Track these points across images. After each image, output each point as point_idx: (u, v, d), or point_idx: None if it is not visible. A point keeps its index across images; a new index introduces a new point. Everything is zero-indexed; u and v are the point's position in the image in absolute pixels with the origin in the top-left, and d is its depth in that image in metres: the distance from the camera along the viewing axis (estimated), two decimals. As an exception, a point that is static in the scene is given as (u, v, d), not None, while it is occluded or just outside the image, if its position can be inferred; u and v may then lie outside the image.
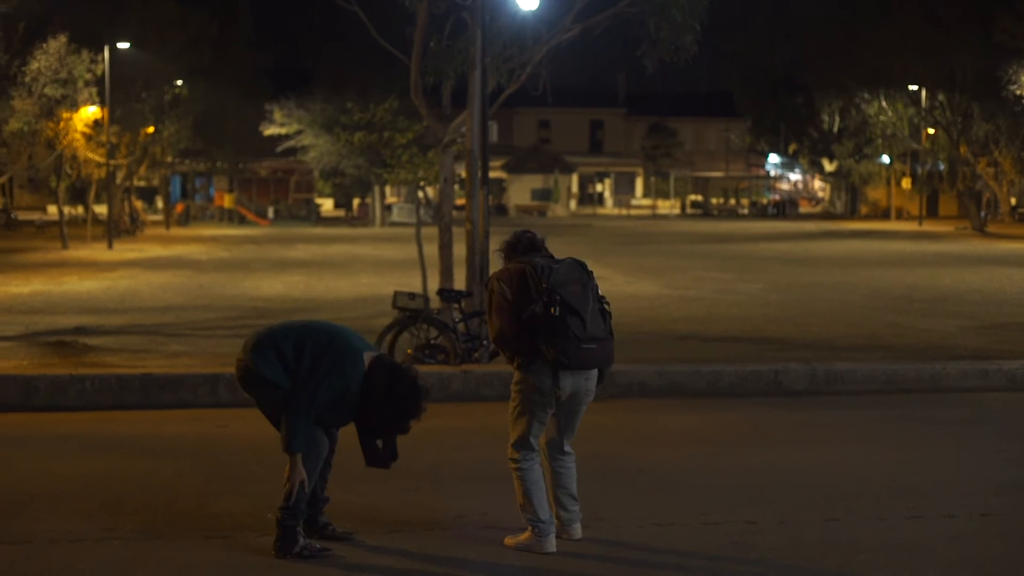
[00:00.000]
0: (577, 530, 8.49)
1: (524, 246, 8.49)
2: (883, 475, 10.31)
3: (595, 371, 8.31)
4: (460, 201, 42.10)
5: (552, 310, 8.06)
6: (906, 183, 78.32)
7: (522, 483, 8.29)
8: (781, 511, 9.12)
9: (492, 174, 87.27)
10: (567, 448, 8.51)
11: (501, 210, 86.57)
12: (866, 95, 70.29)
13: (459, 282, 19.41)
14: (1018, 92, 53.00)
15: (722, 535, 8.53)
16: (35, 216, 67.18)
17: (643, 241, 52.35)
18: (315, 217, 77.39)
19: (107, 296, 26.66)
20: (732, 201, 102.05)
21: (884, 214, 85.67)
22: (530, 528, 8.25)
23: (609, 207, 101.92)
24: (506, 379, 13.99)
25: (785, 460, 10.91)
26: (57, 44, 40.20)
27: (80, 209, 64.61)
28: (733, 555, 8.16)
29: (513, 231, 8.71)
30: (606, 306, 8.33)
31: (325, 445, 8.20)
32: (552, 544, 8.22)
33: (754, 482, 10.04)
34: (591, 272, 8.39)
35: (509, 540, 8.31)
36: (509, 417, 8.40)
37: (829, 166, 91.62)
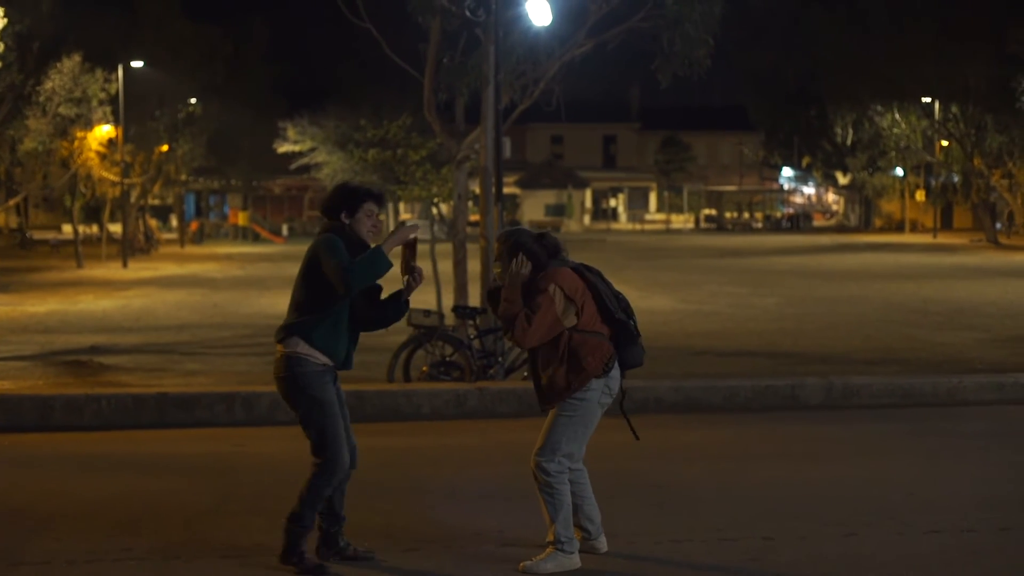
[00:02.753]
0: (604, 542, 8.44)
1: (552, 247, 8.36)
2: (901, 489, 10.27)
3: None
4: (474, 217, 42.07)
5: (631, 321, 8.33)
6: (920, 195, 78.17)
7: (562, 498, 8.10)
8: (799, 526, 9.08)
9: (505, 190, 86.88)
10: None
11: (515, 226, 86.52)
12: (879, 107, 70.14)
13: (474, 298, 19.40)
14: (1032, 103, 52.94)
15: (740, 551, 8.50)
16: (50, 235, 67.29)
17: (657, 256, 52.32)
18: (329, 234, 77.30)
19: (122, 315, 26.70)
20: (746, 215, 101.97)
21: (898, 227, 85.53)
22: (555, 547, 8.09)
23: (623, 222, 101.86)
24: (521, 395, 14.02)
25: (803, 475, 10.88)
26: (71, 63, 40.33)
27: (95, 228, 64.76)
28: (751, 571, 8.13)
29: (516, 229, 8.50)
30: None
31: (346, 458, 8.13)
32: (578, 559, 8.18)
33: (772, 497, 10.01)
34: None
35: (524, 564, 8.10)
36: (560, 425, 8.14)
37: (843, 179, 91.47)
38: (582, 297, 8.14)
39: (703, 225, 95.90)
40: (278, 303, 29.53)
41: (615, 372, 8.26)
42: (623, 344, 8.28)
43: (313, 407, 8.03)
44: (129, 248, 49.90)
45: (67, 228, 66.67)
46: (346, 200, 8.29)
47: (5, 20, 26.78)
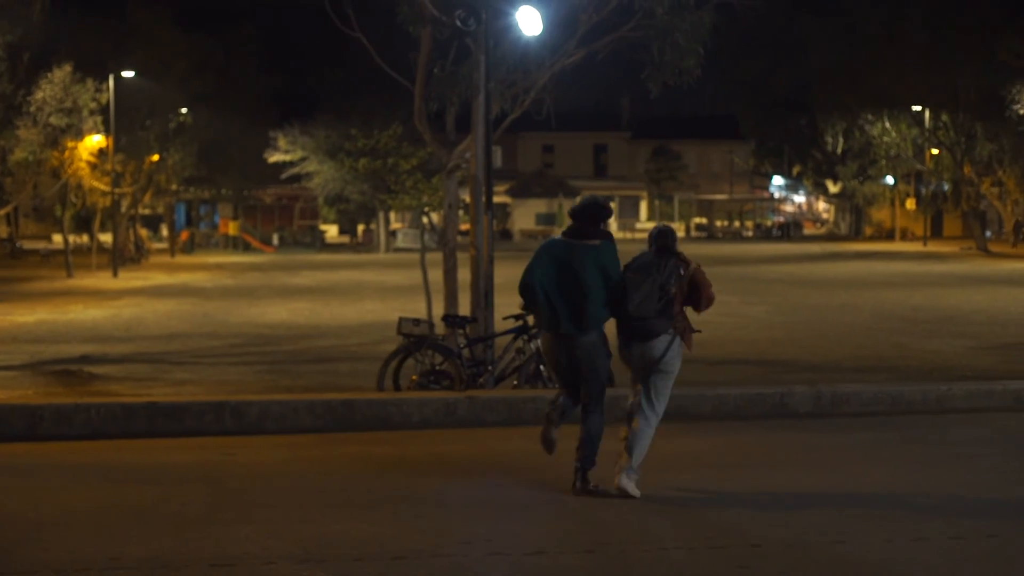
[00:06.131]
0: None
1: (655, 237, 10.79)
2: (889, 496, 10.29)
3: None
4: (465, 226, 42.09)
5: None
6: (910, 204, 78.30)
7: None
8: (787, 534, 9.09)
9: (496, 199, 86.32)
10: None
11: (505, 235, 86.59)
12: (870, 116, 70.27)
13: (464, 307, 19.40)
14: (1022, 112, 53.05)
15: (728, 559, 8.51)
16: (40, 245, 67.20)
17: (648, 264, 52.20)
18: (320, 244, 77.43)
19: (112, 325, 26.68)
20: (736, 223, 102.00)
21: (888, 235, 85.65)
22: (633, 472, 10.26)
23: (614, 231, 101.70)
24: (511, 404, 14.04)
25: (791, 483, 10.89)
26: (62, 73, 40.30)
27: (85, 238, 64.69)
28: (740, 579, 8.15)
29: (660, 226, 10.91)
30: None
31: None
32: None
33: (760, 505, 10.02)
34: None
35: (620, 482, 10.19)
36: (667, 385, 10.53)
37: (833, 187, 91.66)
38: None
39: (694, 234, 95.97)
40: (268, 312, 29.55)
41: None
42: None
43: (606, 365, 10.40)
44: (119, 258, 49.84)
45: (57, 238, 66.54)
46: (606, 213, 10.57)
47: (-5, 30, 26.82)
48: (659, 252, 10.57)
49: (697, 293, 10.63)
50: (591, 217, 10.42)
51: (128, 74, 49.13)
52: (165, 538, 9.05)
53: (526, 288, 10.41)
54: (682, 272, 10.56)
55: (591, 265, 10.22)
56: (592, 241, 10.33)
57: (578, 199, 11.09)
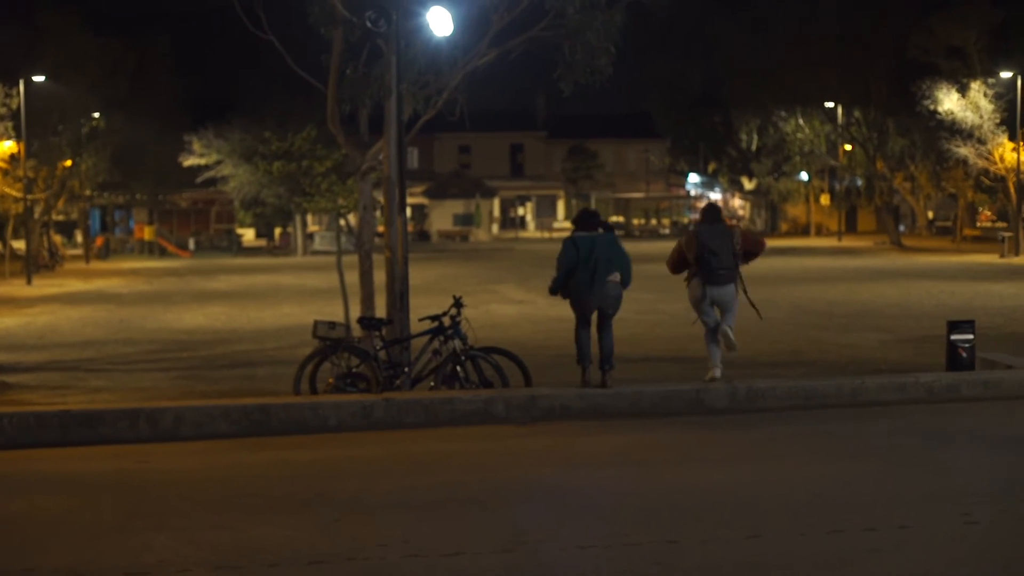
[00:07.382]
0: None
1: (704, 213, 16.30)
2: (804, 490, 10.38)
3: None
4: (382, 228, 42.04)
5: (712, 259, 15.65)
6: (825, 199, 79.05)
7: None
8: (703, 530, 9.15)
9: (413, 200, 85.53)
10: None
11: (423, 236, 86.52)
12: (783, 113, 70.88)
13: (380, 310, 19.35)
14: (932, 107, 53.68)
15: (644, 556, 8.54)
16: (-48, 253, 66.30)
17: (566, 263, 52.30)
18: (237, 248, 76.99)
19: (26, 332, 26.39)
20: (653, 221, 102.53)
21: (804, 230, 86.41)
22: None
23: (531, 230, 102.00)
24: (427, 405, 14.03)
25: (707, 478, 10.96)
26: (-30, 79, 39.88)
27: (-2, 245, 63.98)
28: (656, 575, 8.17)
29: (711, 202, 13.89)
30: None
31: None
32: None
33: (676, 501, 10.08)
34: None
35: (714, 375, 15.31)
36: (736, 305, 16.09)
37: (748, 184, 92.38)
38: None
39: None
40: (184, 317, 29.33)
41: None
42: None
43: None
44: (33, 265, 49.28)
45: (-31, 246, 65.75)
46: (598, 217, 15.66)
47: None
48: (715, 221, 15.87)
49: (753, 242, 16.41)
50: (591, 222, 15.48)
51: (39, 79, 48.63)
52: (79, 548, 8.97)
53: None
54: (736, 232, 15.67)
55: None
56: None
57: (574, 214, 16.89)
